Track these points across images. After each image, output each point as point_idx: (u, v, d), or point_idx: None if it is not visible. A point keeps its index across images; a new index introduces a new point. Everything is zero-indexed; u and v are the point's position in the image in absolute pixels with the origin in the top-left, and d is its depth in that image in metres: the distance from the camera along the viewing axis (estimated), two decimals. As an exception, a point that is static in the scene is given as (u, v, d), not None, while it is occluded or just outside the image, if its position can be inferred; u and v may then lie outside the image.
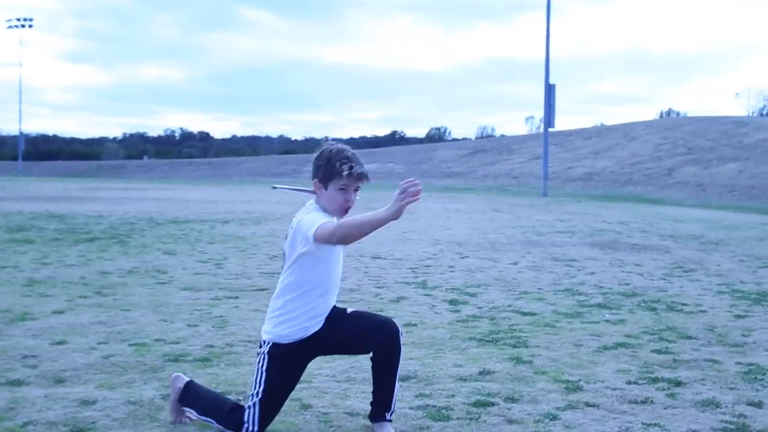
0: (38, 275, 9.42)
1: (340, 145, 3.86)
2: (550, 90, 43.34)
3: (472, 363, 5.44)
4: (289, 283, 3.85)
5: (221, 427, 3.94)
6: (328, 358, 5.51)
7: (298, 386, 4.76)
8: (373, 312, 4.24)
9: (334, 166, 3.77)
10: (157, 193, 36.66)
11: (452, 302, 7.91)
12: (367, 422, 4.16)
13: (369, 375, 5.06)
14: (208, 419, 4.02)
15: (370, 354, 4.03)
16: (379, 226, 3.49)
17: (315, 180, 3.85)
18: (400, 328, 4.04)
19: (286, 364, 3.87)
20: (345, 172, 3.75)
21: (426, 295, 8.38)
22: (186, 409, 4.13)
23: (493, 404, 4.50)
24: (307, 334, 3.86)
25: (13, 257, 11.14)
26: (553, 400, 4.61)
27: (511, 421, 4.22)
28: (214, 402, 4.09)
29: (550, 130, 45.59)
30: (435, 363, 5.44)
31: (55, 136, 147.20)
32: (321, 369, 5.14)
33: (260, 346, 3.95)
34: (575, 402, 4.58)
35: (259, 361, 3.90)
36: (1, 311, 7.06)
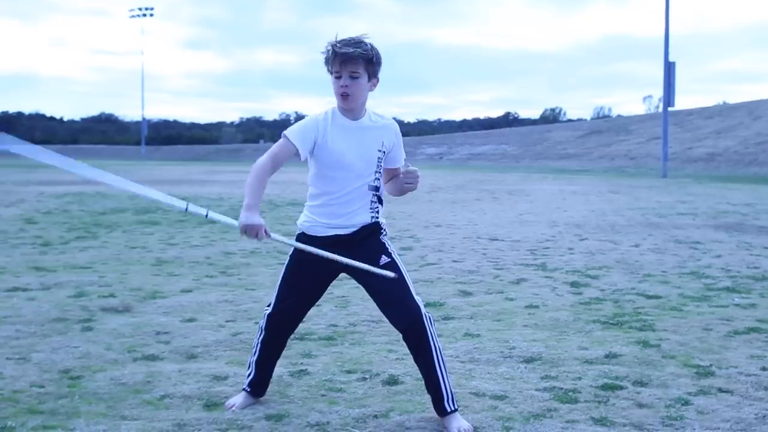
0: (166, 255, 9.74)
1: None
2: (669, 68, 42.06)
3: (598, 346, 5.35)
4: (309, 178, 4.00)
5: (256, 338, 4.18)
6: (451, 339, 5.53)
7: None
8: (395, 285, 3.86)
9: (325, 53, 3.75)
10: (273, 176, 37.12)
11: (573, 284, 7.79)
12: (494, 402, 4.15)
13: (493, 356, 5.08)
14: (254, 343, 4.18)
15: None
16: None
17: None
18: (412, 323, 3.81)
19: (295, 256, 3.99)
20: (328, 50, 3.70)
21: (546, 277, 8.28)
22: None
23: (621, 388, 4.42)
24: (318, 234, 3.90)
25: (142, 238, 11.56)
26: (684, 385, 4.49)
27: (641, 405, 4.13)
28: None
29: (669, 109, 44.29)
30: (559, 345, 5.37)
31: (175, 122, 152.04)
32: (445, 349, 5.11)
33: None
34: (707, 387, 4.45)
35: None
36: (133, 289, 7.34)
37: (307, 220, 3.96)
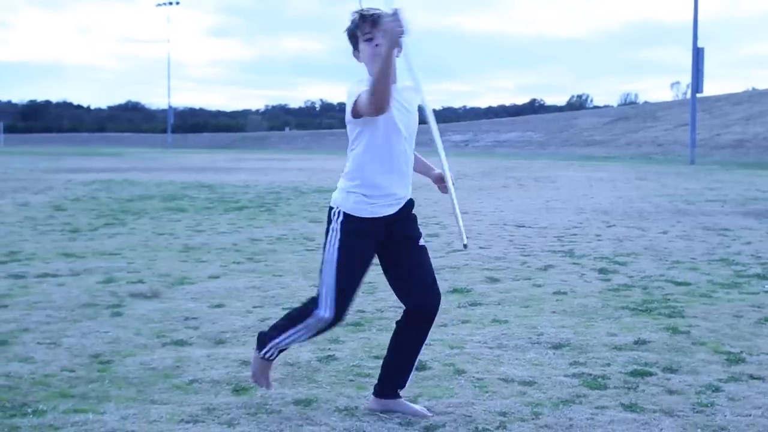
0: (193, 242, 9.79)
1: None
2: (698, 54, 41.59)
3: (627, 332, 5.32)
4: (355, 155, 3.68)
5: (305, 334, 3.81)
6: (479, 325, 5.51)
7: (449, 351, 4.80)
8: (430, 266, 3.84)
9: (349, 25, 3.68)
10: (299, 163, 37.45)
11: (602, 271, 7.74)
12: (523, 388, 4.13)
13: (522, 342, 5.06)
14: (292, 334, 3.83)
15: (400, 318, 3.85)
16: (388, 65, 3.34)
17: (354, 51, 3.73)
18: (436, 307, 3.80)
19: (358, 242, 3.67)
20: (355, 18, 3.64)
21: (574, 263, 8.23)
22: (268, 352, 3.88)
23: (651, 374, 4.39)
24: (377, 215, 3.65)
25: (169, 225, 11.62)
26: (715, 372, 4.45)
27: (671, 392, 4.10)
28: (286, 319, 3.96)
29: (697, 95, 43.82)
30: (588, 331, 5.34)
31: (201, 110, 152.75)
32: (472, 335, 5.14)
33: (329, 218, 3.73)
34: (738, 374, 4.41)
35: (328, 235, 3.70)
36: (161, 275, 7.38)
37: (356, 201, 3.65)
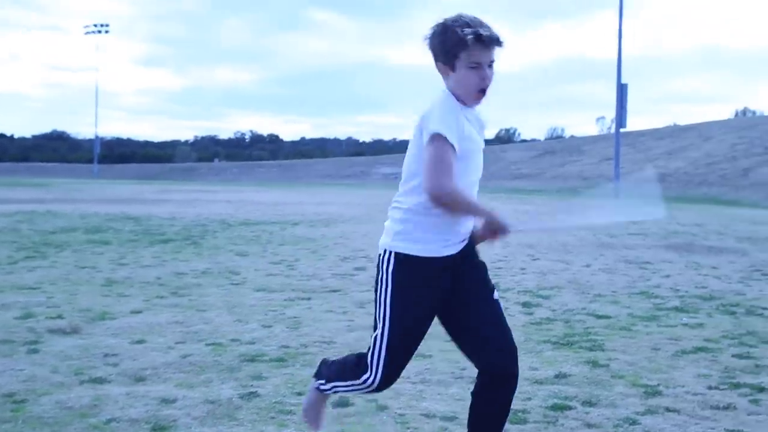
0: (116, 275, 9.62)
1: (456, 13, 3.11)
2: (622, 90, 42.64)
3: (548, 366, 5.39)
4: (415, 187, 3.15)
5: (352, 389, 3.44)
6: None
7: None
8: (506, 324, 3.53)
9: (455, 36, 3.03)
10: (228, 195, 37.15)
11: (525, 304, 7.84)
12: (445, 424, 4.14)
13: (445, 377, 5.08)
14: (337, 385, 3.45)
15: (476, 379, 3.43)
16: (473, 215, 3.23)
17: (438, 64, 3.16)
18: (515, 370, 3.35)
19: (414, 288, 3.19)
20: (469, 37, 3.00)
21: (499, 297, 8.29)
22: (321, 387, 3.51)
23: (570, 408, 4.45)
24: (438, 254, 3.18)
25: (92, 258, 11.40)
26: (632, 405, 4.54)
27: (589, 425, 4.16)
28: (340, 364, 3.51)
29: (621, 130, 44.87)
30: (510, 365, 5.38)
31: (129, 140, 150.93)
32: (396, 370, 5.13)
33: (378, 265, 3.23)
34: (655, 407, 4.50)
35: (379, 284, 3.22)
36: (82, 310, 7.23)
37: (421, 239, 3.19)
